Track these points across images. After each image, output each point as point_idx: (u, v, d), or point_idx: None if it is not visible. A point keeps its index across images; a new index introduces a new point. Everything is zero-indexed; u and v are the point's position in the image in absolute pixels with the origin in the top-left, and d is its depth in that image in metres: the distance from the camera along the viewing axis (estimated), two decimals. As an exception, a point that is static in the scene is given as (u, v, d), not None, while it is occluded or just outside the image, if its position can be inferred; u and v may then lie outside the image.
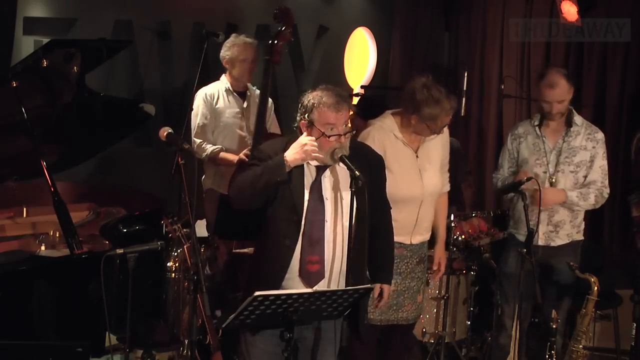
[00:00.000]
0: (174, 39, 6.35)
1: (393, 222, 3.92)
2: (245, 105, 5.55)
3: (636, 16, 6.83)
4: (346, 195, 3.54)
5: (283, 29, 5.18)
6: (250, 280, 3.67)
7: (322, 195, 3.55)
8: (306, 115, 3.50)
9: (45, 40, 5.24)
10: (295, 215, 3.52)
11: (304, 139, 3.46)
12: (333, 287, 3.55)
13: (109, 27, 5.92)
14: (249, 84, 5.61)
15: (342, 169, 3.55)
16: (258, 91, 5.68)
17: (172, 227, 4.44)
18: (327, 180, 3.57)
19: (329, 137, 3.45)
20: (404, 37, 7.82)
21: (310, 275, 3.54)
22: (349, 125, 3.54)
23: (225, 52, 5.47)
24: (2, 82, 4.28)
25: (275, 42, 5.16)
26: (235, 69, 5.48)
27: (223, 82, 5.53)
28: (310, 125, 3.49)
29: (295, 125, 3.58)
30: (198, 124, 5.43)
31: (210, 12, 6.48)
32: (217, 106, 5.49)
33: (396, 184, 4.08)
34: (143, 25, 6.17)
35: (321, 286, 3.53)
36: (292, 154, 3.45)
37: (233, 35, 5.57)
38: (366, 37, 7.66)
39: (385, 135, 4.20)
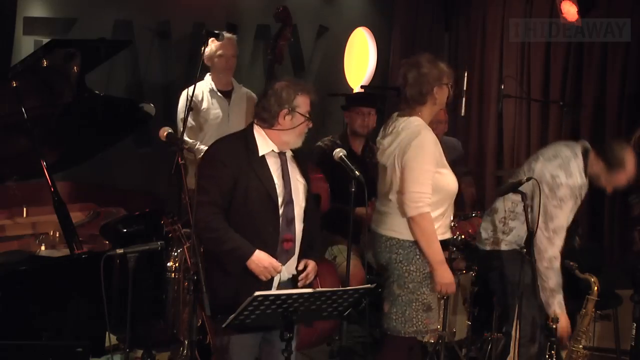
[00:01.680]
0: (174, 39, 6.35)
1: (444, 219, 4.11)
2: (229, 105, 5.52)
3: (636, 16, 6.83)
4: (300, 177, 3.78)
5: (282, 29, 5.18)
6: (241, 275, 3.64)
7: (288, 179, 3.72)
8: (288, 104, 3.67)
9: (45, 40, 5.24)
10: (271, 202, 3.64)
11: (275, 265, 3.61)
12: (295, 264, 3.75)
13: (109, 27, 5.92)
14: (234, 82, 5.58)
15: (289, 153, 3.78)
16: (245, 89, 5.65)
17: (172, 227, 4.43)
18: (289, 165, 3.77)
19: (309, 120, 3.70)
20: (404, 37, 7.82)
21: (284, 252, 3.69)
22: None
23: (206, 50, 5.44)
24: (2, 82, 4.28)
25: (277, 42, 5.16)
26: (215, 66, 5.46)
27: (207, 82, 5.49)
28: (292, 112, 3.67)
29: (266, 116, 3.69)
30: (187, 126, 5.38)
31: (210, 12, 6.48)
32: (201, 107, 5.46)
33: (448, 180, 4.11)
34: (143, 25, 6.17)
35: (292, 263, 3.73)
36: (255, 268, 3.59)
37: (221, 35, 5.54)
38: (366, 37, 7.66)
39: (433, 134, 4.16)
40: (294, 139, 3.72)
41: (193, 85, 5.18)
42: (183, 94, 5.46)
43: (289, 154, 3.80)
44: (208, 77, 5.54)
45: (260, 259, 3.59)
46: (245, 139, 3.71)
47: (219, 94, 5.52)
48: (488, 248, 4.58)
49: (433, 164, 4.03)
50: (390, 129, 4.18)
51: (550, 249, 4.33)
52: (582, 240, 4.80)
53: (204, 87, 5.51)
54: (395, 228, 4.09)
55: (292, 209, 3.70)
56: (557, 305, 4.35)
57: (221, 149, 3.76)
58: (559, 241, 4.35)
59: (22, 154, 4.42)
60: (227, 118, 5.48)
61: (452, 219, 4.34)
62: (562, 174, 4.36)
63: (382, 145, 4.20)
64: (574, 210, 4.47)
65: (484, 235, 4.63)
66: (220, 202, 3.62)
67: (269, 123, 3.69)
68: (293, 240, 3.71)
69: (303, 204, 3.77)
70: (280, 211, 3.66)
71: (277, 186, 3.67)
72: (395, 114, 4.24)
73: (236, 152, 3.67)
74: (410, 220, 4.02)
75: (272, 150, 3.71)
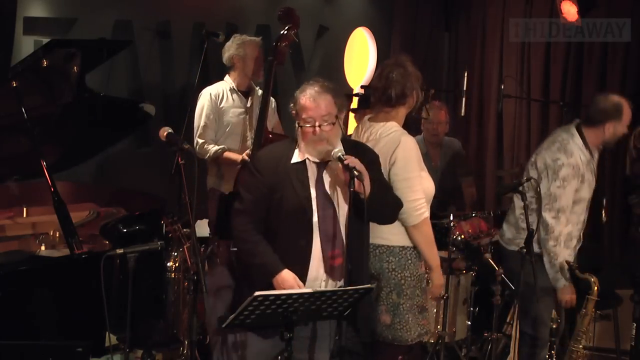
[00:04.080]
0: (174, 39, 6.35)
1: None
2: (249, 104, 5.56)
3: (636, 16, 6.83)
4: (344, 190, 3.57)
5: (287, 30, 5.18)
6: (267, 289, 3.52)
7: (326, 191, 3.57)
8: (292, 105, 3.57)
9: (45, 40, 5.25)
10: (305, 214, 3.52)
11: (293, 284, 3.47)
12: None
13: (109, 27, 5.92)
14: (252, 83, 5.62)
15: (338, 164, 3.54)
16: (261, 92, 5.68)
17: (172, 227, 4.44)
18: (326, 175, 3.59)
19: (302, 127, 3.51)
20: (404, 37, 7.82)
21: (335, 269, 3.57)
22: (333, 119, 3.53)
23: (237, 50, 5.45)
24: (2, 82, 4.28)
25: (279, 43, 5.16)
26: (248, 67, 5.48)
27: (227, 82, 5.53)
28: (296, 115, 3.55)
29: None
30: (201, 124, 5.43)
31: (210, 12, 6.49)
32: (221, 106, 5.49)
33: (427, 183, 4.06)
34: (143, 25, 6.17)
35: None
36: (278, 287, 3.47)
37: (237, 35, 5.56)
38: (366, 37, 7.66)
39: (412, 138, 4.08)
40: (306, 146, 3.54)
41: (203, 84, 5.22)
42: (205, 93, 5.48)
43: (336, 165, 3.54)
44: (228, 77, 5.55)
45: (284, 279, 3.48)
46: (291, 145, 3.60)
47: (239, 92, 5.54)
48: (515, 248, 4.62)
49: (418, 169, 3.99)
50: (367, 136, 4.08)
51: (557, 228, 4.45)
52: (584, 241, 4.80)
53: (224, 86, 5.53)
54: (383, 235, 3.99)
55: (332, 223, 3.54)
56: (564, 280, 4.48)
57: (262, 155, 3.69)
58: (565, 219, 4.47)
59: (22, 154, 4.42)
60: (248, 116, 5.51)
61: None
62: (562, 156, 4.48)
63: None
64: (587, 188, 4.56)
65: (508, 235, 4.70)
66: (253, 211, 3.54)
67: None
68: (343, 255, 3.55)
69: (345, 219, 3.56)
70: (317, 226, 3.53)
71: (313, 197, 3.53)
72: (367, 118, 4.16)
73: (276, 159, 3.57)
74: (413, 228, 3.96)
75: (308, 159, 3.56)
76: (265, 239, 3.56)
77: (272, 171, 3.56)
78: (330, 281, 3.58)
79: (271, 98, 5.61)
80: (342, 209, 3.57)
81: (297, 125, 3.55)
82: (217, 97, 5.48)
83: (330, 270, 3.56)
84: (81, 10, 5.87)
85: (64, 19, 5.83)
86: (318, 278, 3.57)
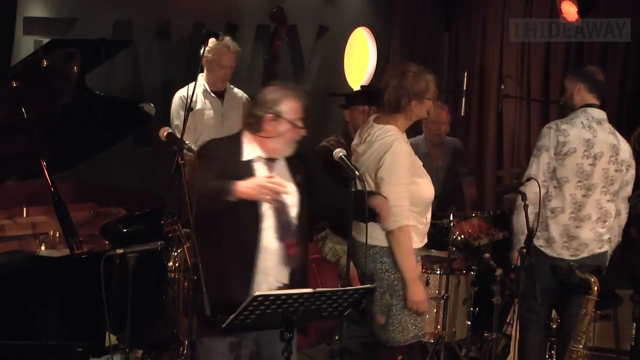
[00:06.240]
0: (174, 39, 6.35)
1: (422, 227, 4.06)
2: (223, 105, 5.54)
3: (636, 16, 6.84)
4: (294, 181, 3.67)
5: (278, 28, 5.19)
6: (215, 283, 3.54)
7: None
8: (273, 108, 3.56)
9: (45, 40, 5.24)
10: (253, 208, 3.55)
11: (263, 180, 3.50)
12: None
13: (109, 27, 5.91)
14: (227, 83, 5.61)
15: (283, 162, 3.66)
16: (237, 90, 5.66)
17: (172, 227, 4.44)
18: (276, 170, 3.66)
19: (299, 128, 3.57)
20: (404, 37, 7.82)
21: (290, 258, 3.63)
22: None
23: (206, 53, 5.45)
24: (2, 82, 4.28)
25: (274, 42, 5.16)
26: (211, 73, 5.48)
27: (199, 84, 5.49)
28: (277, 117, 3.56)
29: (251, 122, 3.60)
30: (177, 125, 5.36)
31: (210, 12, 6.48)
32: (195, 108, 5.46)
33: (425, 189, 4.07)
34: (143, 25, 6.16)
35: (283, 271, 3.64)
36: (245, 189, 3.47)
37: (221, 36, 5.51)
38: (366, 37, 7.67)
39: (407, 144, 4.10)
40: (282, 146, 3.62)
41: (188, 87, 5.22)
42: (176, 95, 5.47)
43: (282, 162, 3.69)
44: (201, 78, 5.53)
45: (247, 183, 3.48)
46: (236, 142, 3.65)
47: (212, 94, 5.53)
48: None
49: (407, 176, 3.98)
50: (365, 136, 4.12)
51: None
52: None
53: (197, 89, 5.50)
54: (376, 235, 4.01)
55: (286, 214, 3.61)
56: None
57: (214, 145, 3.74)
58: None
59: (22, 154, 4.43)
60: (221, 119, 5.49)
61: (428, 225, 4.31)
62: (618, 136, 4.65)
63: (356, 152, 4.12)
64: None
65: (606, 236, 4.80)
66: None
67: (254, 128, 3.61)
68: (297, 245, 3.64)
69: (297, 208, 3.66)
70: (272, 219, 3.58)
71: None
72: (372, 118, 4.19)
73: (226, 153, 3.63)
74: (389, 234, 3.98)
75: (259, 156, 3.62)
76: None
77: (224, 162, 3.59)
78: (282, 271, 3.62)
79: (245, 96, 5.61)
80: (292, 201, 3.64)
81: (266, 123, 3.56)
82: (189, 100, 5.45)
83: (285, 260, 3.62)
84: (81, 10, 5.86)
85: (64, 19, 5.82)
86: (267, 268, 3.60)
